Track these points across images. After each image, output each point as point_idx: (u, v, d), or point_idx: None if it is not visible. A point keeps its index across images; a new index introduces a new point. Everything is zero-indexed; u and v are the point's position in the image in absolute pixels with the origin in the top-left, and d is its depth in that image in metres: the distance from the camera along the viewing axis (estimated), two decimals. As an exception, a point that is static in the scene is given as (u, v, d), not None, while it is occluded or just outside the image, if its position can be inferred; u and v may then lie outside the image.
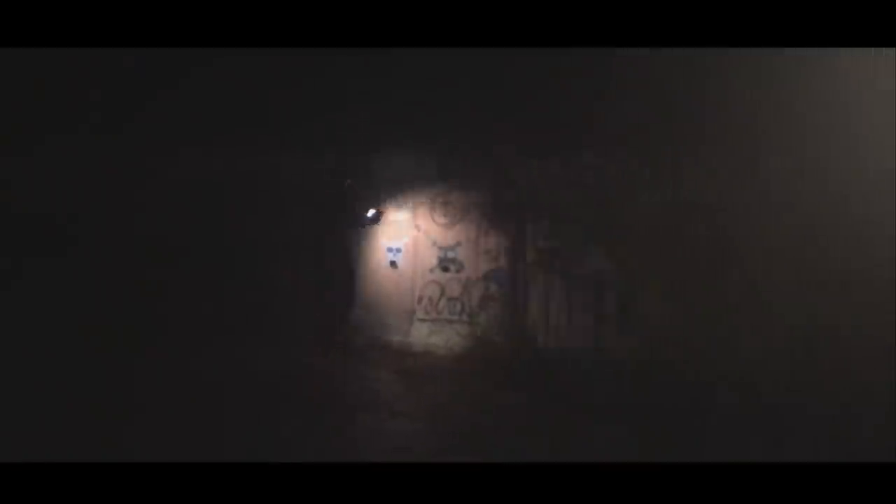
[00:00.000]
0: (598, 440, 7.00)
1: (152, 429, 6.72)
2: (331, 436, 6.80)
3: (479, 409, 8.07)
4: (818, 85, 8.46)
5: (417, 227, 10.51)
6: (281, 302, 10.27)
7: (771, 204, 9.32)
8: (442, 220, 10.44)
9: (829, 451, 6.27)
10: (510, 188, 10.14)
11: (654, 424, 7.44)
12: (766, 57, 7.63)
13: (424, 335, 10.48)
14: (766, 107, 8.83)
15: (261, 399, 7.82)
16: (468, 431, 7.18)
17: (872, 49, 6.37)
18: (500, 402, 8.39)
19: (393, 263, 10.54)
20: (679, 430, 7.24)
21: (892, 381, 7.72)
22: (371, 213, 10.24)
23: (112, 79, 9.35)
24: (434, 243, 10.50)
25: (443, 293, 10.54)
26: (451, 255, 10.50)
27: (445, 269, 10.52)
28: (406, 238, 10.50)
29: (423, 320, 10.54)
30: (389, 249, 10.62)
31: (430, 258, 10.56)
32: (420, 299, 10.60)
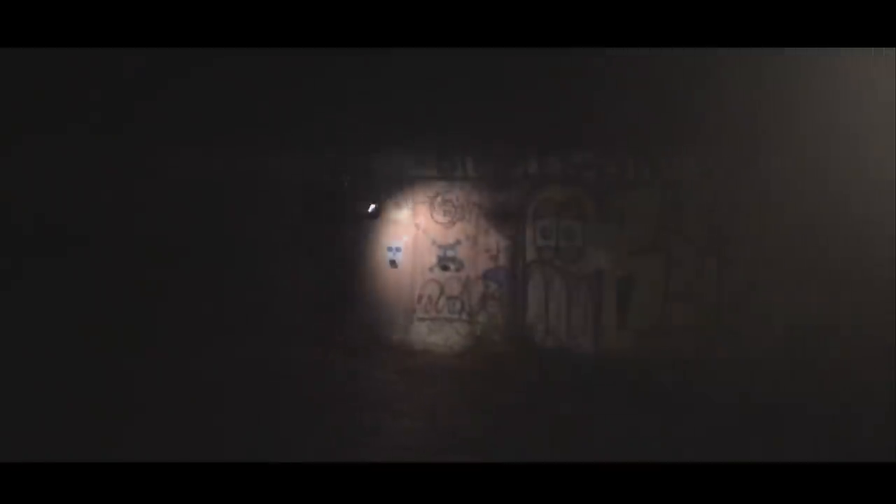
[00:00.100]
0: (597, 440, 6.99)
1: (152, 429, 6.71)
2: (331, 435, 6.79)
3: (478, 408, 8.07)
4: (818, 85, 8.46)
5: (417, 226, 10.50)
6: (280, 301, 10.27)
7: (770, 203, 9.33)
8: (441, 218, 10.44)
9: (829, 451, 6.27)
10: (510, 187, 10.13)
11: (653, 424, 7.44)
12: (766, 57, 7.61)
13: (424, 334, 10.48)
14: (766, 106, 8.84)
15: (260, 399, 7.82)
16: (468, 430, 7.18)
17: (872, 49, 6.36)
18: (499, 401, 8.39)
19: (393, 262, 10.54)
20: (679, 429, 7.23)
21: (892, 381, 7.72)
22: (372, 207, 10.22)
23: (112, 79, 9.34)
24: (433, 242, 10.49)
25: (442, 292, 10.54)
26: (450, 253, 10.50)
27: (445, 268, 10.52)
28: (406, 237, 10.49)
29: (422, 319, 10.54)
30: (389, 248, 10.61)
31: (430, 257, 10.55)
32: (420, 298, 10.60)
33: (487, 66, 8.92)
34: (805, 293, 9.32)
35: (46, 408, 6.96)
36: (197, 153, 10.07)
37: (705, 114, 9.04)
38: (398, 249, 10.64)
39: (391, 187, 10.46)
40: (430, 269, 10.57)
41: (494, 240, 10.34)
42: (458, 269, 10.49)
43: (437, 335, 10.50)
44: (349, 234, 10.49)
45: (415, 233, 10.53)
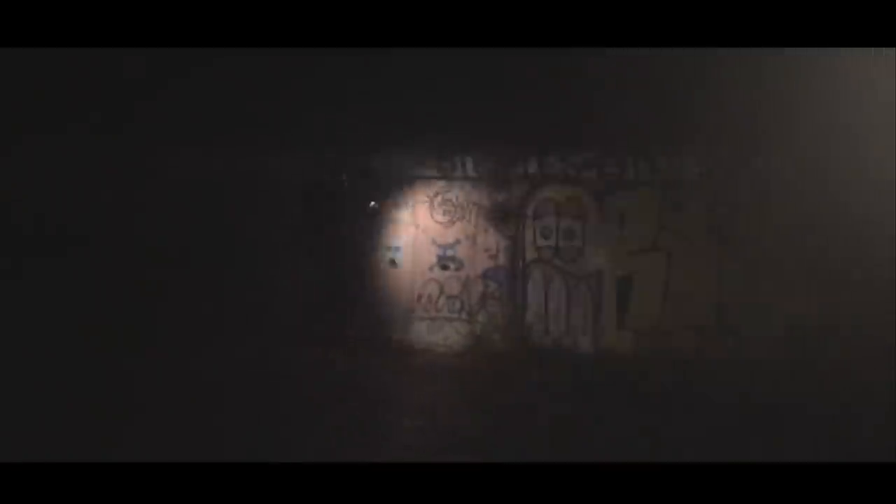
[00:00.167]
0: (597, 439, 6.99)
1: (152, 429, 6.71)
2: (330, 435, 6.79)
3: (478, 407, 8.07)
4: (818, 85, 8.47)
5: (417, 226, 10.50)
6: (279, 301, 10.26)
7: (770, 203, 9.34)
8: (441, 218, 10.44)
9: (829, 451, 6.26)
10: (509, 186, 10.14)
11: (653, 424, 7.44)
12: (766, 57, 7.62)
13: (424, 333, 10.48)
14: (766, 106, 8.85)
15: (260, 398, 7.81)
16: (467, 430, 7.18)
17: (872, 49, 6.36)
18: (499, 400, 8.39)
19: (392, 262, 10.54)
20: (678, 429, 7.23)
21: (892, 381, 7.72)
22: (372, 204, 10.22)
23: (112, 79, 9.34)
24: (433, 241, 10.49)
25: (442, 291, 10.54)
26: (450, 253, 10.50)
27: (445, 268, 10.52)
28: (405, 236, 10.49)
29: (422, 318, 10.54)
30: (389, 248, 10.60)
31: (430, 256, 10.55)
32: (419, 297, 10.60)
33: (487, 66, 8.93)
34: (805, 293, 9.33)
35: (46, 408, 6.95)
36: (197, 153, 10.07)
37: (705, 114, 9.04)
38: (398, 249, 10.64)
39: (391, 187, 10.46)
40: (430, 269, 10.58)
41: (494, 239, 10.35)
42: (457, 269, 10.50)
43: (436, 334, 10.51)
44: (349, 233, 10.49)
45: (414, 232, 10.53)
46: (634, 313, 10.01)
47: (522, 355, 10.00)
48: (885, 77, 8.17)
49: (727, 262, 9.63)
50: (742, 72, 8.61)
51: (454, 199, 10.44)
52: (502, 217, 10.27)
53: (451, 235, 10.50)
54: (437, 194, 10.46)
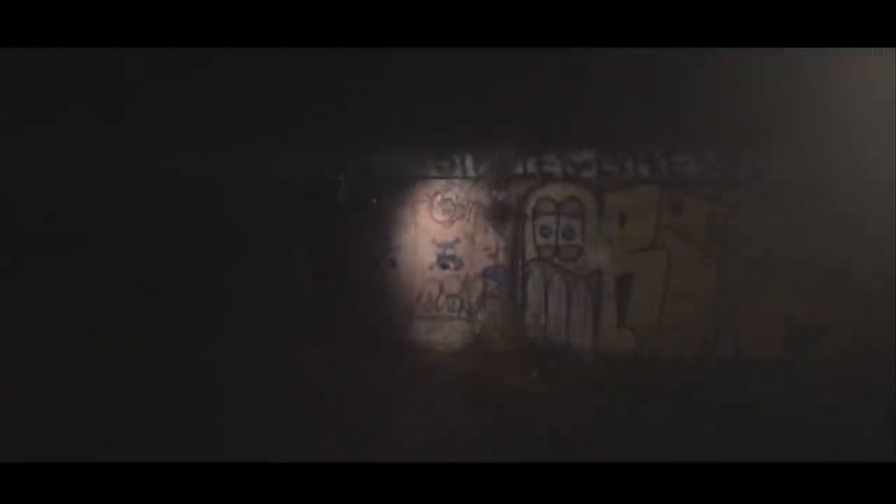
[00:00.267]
0: (596, 439, 7.00)
1: (152, 429, 6.72)
2: (330, 435, 6.80)
3: (477, 406, 8.07)
4: (818, 85, 8.48)
5: (416, 225, 10.49)
6: (279, 300, 10.25)
7: (770, 202, 9.34)
8: (441, 217, 10.43)
9: (829, 451, 6.27)
10: (509, 185, 10.14)
11: (652, 423, 7.44)
12: (765, 57, 7.62)
13: (423, 332, 10.48)
14: (766, 106, 8.85)
15: (260, 398, 7.82)
16: (467, 429, 7.18)
17: (872, 49, 6.36)
18: (498, 399, 8.39)
19: (392, 261, 10.52)
20: (678, 429, 7.24)
21: (892, 381, 7.72)
22: (373, 201, 10.23)
23: (111, 79, 9.34)
24: (433, 241, 10.48)
25: (442, 290, 10.54)
26: (449, 252, 10.49)
27: (444, 267, 10.51)
28: (405, 236, 10.48)
29: (422, 317, 10.54)
30: (388, 247, 10.59)
31: (429, 255, 10.55)
32: (419, 296, 10.59)
33: (487, 65, 8.93)
34: (805, 292, 9.34)
35: (46, 408, 6.96)
36: (197, 153, 10.06)
37: (705, 113, 9.05)
38: (398, 248, 10.63)
39: (391, 186, 10.45)
40: (430, 268, 10.57)
41: (494, 238, 10.34)
42: (457, 268, 10.49)
43: (436, 333, 10.50)
44: (349, 233, 10.48)
45: (414, 231, 10.52)
46: (634, 312, 10.01)
47: (522, 354, 9.99)
48: (885, 77, 8.18)
49: (727, 261, 9.63)
50: (742, 72, 8.62)
51: (454, 199, 10.43)
52: (502, 216, 10.26)
53: (450, 234, 10.48)
54: (436, 193, 10.45)
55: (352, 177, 10.43)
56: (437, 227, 10.48)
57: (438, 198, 10.45)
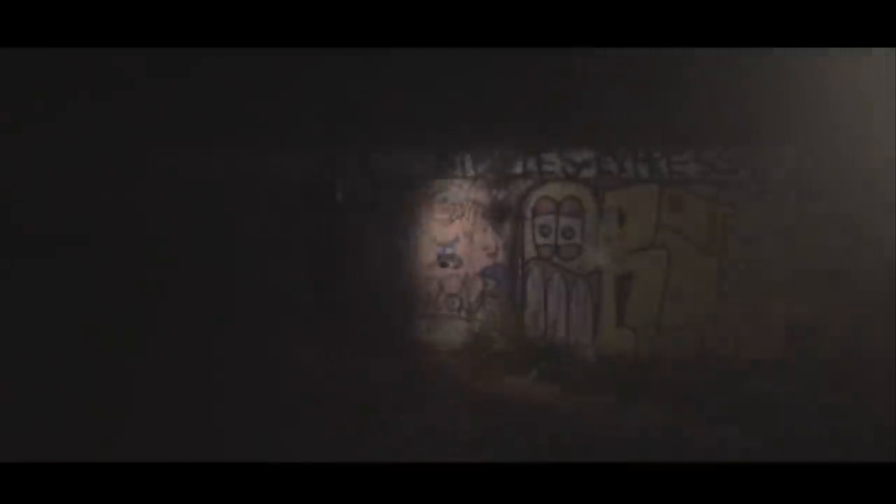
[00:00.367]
0: (596, 438, 7.00)
1: (152, 429, 6.72)
2: (329, 434, 6.80)
3: (477, 406, 8.08)
4: (817, 84, 8.49)
5: (415, 224, 10.48)
6: (280, 300, 10.24)
7: (770, 201, 9.35)
8: (440, 216, 10.42)
9: (829, 451, 6.27)
10: (508, 184, 10.14)
11: (652, 422, 7.45)
12: (765, 56, 7.62)
13: (423, 331, 10.47)
14: (766, 105, 8.85)
15: (260, 398, 7.82)
16: (466, 429, 7.19)
17: (872, 49, 6.37)
18: (497, 399, 8.40)
19: (391, 260, 10.51)
20: (678, 428, 7.25)
21: (892, 381, 7.72)
22: (370, 202, 10.23)
23: (111, 79, 9.34)
24: (432, 240, 10.48)
25: (441, 289, 10.53)
26: (449, 251, 10.48)
27: (443, 266, 10.51)
28: (404, 235, 10.47)
29: (421, 316, 10.53)
30: (387, 246, 10.58)
31: (429, 254, 10.54)
32: (418, 296, 10.58)
33: (486, 65, 8.94)
34: (805, 291, 9.35)
35: (46, 408, 6.96)
36: (197, 153, 10.05)
37: (704, 113, 9.05)
38: (397, 247, 10.59)
39: (390, 185, 10.44)
40: (429, 267, 10.56)
41: (493, 237, 10.34)
42: (456, 267, 10.48)
43: (435, 333, 10.50)
44: (348, 232, 10.47)
45: (413, 230, 10.51)
46: (633, 311, 10.01)
47: (521, 353, 9.99)
48: (885, 77, 8.19)
49: (727, 260, 9.63)
50: (742, 71, 8.64)
51: (453, 198, 10.41)
52: (501, 215, 10.26)
53: (450, 233, 10.47)
54: (436, 193, 10.43)
55: (351, 176, 10.43)
56: (436, 227, 10.47)
57: (438, 197, 10.44)
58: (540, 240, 10.20)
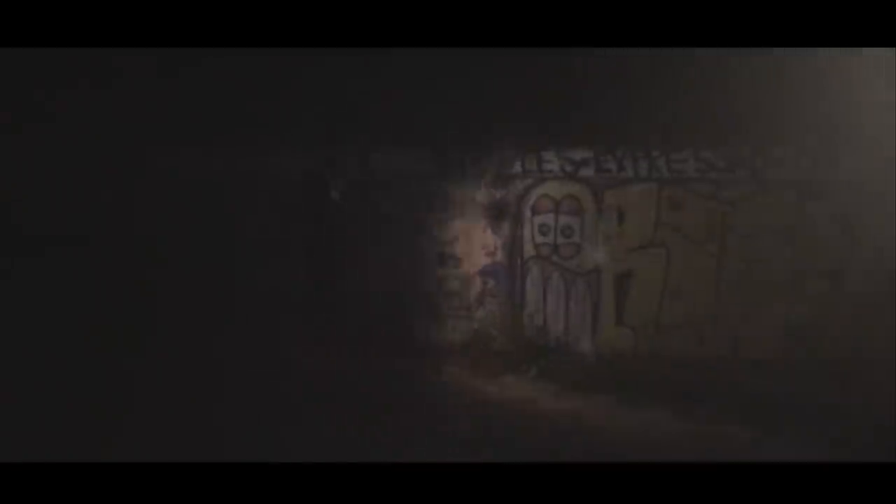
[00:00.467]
0: (595, 438, 7.01)
1: (152, 429, 6.73)
2: (328, 434, 6.81)
3: (476, 405, 8.09)
4: (816, 83, 8.51)
5: (414, 223, 10.47)
6: (280, 300, 10.23)
7: (769, 200, 9.37)
8: (440, 215, 10.42)
9: (829, 451, 6.28)
10: (508, 183, 10.14)
11: (651, 422, 7.46)
12: (764, 55, 7.63)
13: (421, 330, 10.47)
14: (765, 104, 8.86)
15: (260, 398, 7.82)
16: (466, 429, 7.20)
17: (871, 49, 6.38)
18: (496, 398, 8.41)
19: (389, 259, 10.50)
20: (677, 428, 7.26)
21: (892, 381, 7.73)
22: (371, 201, 10.24)
23: (111, 79, 9.34)
24: (431, 239, 10.47)
25: (440, 288, 10.53)
26: (448, 250, 10.48)
27: (443, 265, 10.51)
28: (403, 234, 10.46)
29: (420, 316, 10.52)
30: (386, 246, 10.57)
31: (427, 253, 10.53)
32: (417, 295, 10.58)
33: (486, 64, 8.94)
34: (804, 291, 9.36)
35: (46, 408, 6.96)
36: (197, 153, 10.04)
37: (703, 112, 9.06)
38: (397, 246, 10.58)
39: (389, 185, 10.43)
40: (428, 266, 10.56)
41: (492, 236, 10.34)
42: (455, 266, 10.48)
43: (434, 331, 10.50)
44: (348, 232, 10.46)
45: (412, 230, 10.50)
46: (633, 310, 10.01)
47: (520, 352, 10.00)
48: (884, 77, 8.20)
49: (726, 258, 9.64)
50: (740, 71, 8.64)
51: (452, 197, 10.41)
52: (500, 214, 10.26)
53: (449, 232, 10.47)
54: (435, 192, 10.43)
55: (351, 176, 10.42)
56: (435, 226, 10.46)
57: (437, 196, 10.43)
58: (539, 238, 10.20)
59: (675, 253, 9.77)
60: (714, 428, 7.20)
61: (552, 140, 9.93)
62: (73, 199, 9.70)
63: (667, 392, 8.41)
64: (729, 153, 9.53)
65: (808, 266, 9.36)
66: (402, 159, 10.33)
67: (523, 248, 10.30)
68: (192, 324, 9.54)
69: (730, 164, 9.55)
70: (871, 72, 8.17)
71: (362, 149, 10.25)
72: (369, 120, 9.89)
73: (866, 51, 6.50)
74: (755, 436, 6.93)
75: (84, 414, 6.94)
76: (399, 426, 7.20)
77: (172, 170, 10.05)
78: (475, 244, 10.38)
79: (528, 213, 10.22)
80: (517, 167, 10.17)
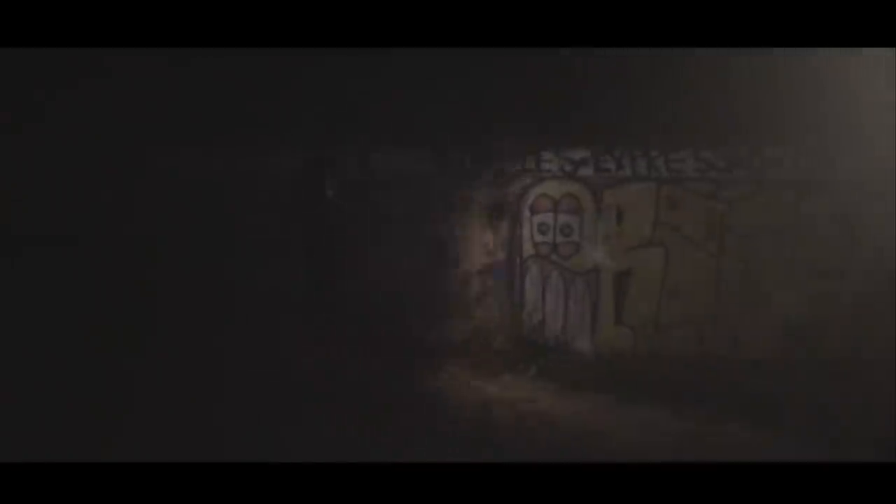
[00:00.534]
0: (594, 437, 7.01)
1: (152, 429, 6.73)
2: (330, 434, 6.81)
3: (475, 404, 8.09)
4: (814, 82, 8.52)
5: (413, 222, 10.47)
6: (280, 300, 10.23)
7: (767, 199, 9.38)
8: (439, 214, 10.42)
9: (828, 450, 6.29)
10: (507, 182, 10.14)
11: (650, 421, 7.47)
12: (763, 55, 7.63)
13: (420, 330, 10.46)
14: (764, 103, 8.87)
15: (260, 398, 7.82)
16: (465, 428, 7.20)
17: (871, 49, 6.38)
18: (495, 397, 8.41)
19: (390, 259, 10.50)
20: (676, 427, 7.26)
21: (892, 380, 7.73)
22: (370, 201, 10.24)
23: (111, 79, 9.34)
24: (431, 238, 10.47)
25: (439, 287, 10.52)
26: (447, 249, 10.48)
27: (442, 264, 10.51)
28: (402, 233, 10.46)
29: (419, 315, 10.52)
30: (385, 245, 10.57)
31: (426, 253, 10.53)
32: (416, 294, 10.57)
33: (485, 64, 8.95)
34: (804, 290, 9.38)
35: (46, 408, 6.96)
36: (197, 153, 10.03)
37: (702, 110, 9.06)
38: (396, 245, 10.57)
39: (388, 184, 10.43)
40: (427, 265, 10.55)
41: (491, 235, 10.34)
42: (454, 265, 10.48)
43: (433, 331, 10.49)
44: (347, 232, 10.46)
45: (411, 229, 10.49)
46: (632, 309, 10.03)
47: (519, 351, 10.00)
48: (884, 76, 8.21)
49: (725, 258, 9.65)
50: (739, 70, 8.64)
51: (452, 196, 10.40)
52: (499, 213, 10.26)
53: (448, 232, 10.47)
54: (434, 191, 10.42)
55: (350, 176, 10.42)
56: (435, 225, 10.45)
57: (436, 195, 10.43)
58: (538, 237, 10.21)
59: (674, 252, 9.78)
60: (713, 427, 7.20)
61: (551, 139, 9.93)
62: (73, 198, 9.69)
63: (666, 391, 8.41)
64: (728, 153, 9.54)
65: (808, 266, 9.38)
66: (402, 159, 10.32)
67: (522, 247, 10.30)
68: (192, 324, 9.54)
69: (729, 163, 9.56)
70: (870, 72, 8.18)
71: (362, 149, 10.25)
72: (369, 120, 9.89)
73: (866, 51, 6.50)
74: (754, 435, 6.93)
75: (84, 414, 6.94)
76: (398, 426, 7.20)
77: (172, 170, 10.05)
78: (474, 243, 10.38)
79: (527, 213, 10.23)
80: (516, 166, 10.17)
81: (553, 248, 10.19)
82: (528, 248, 10.29)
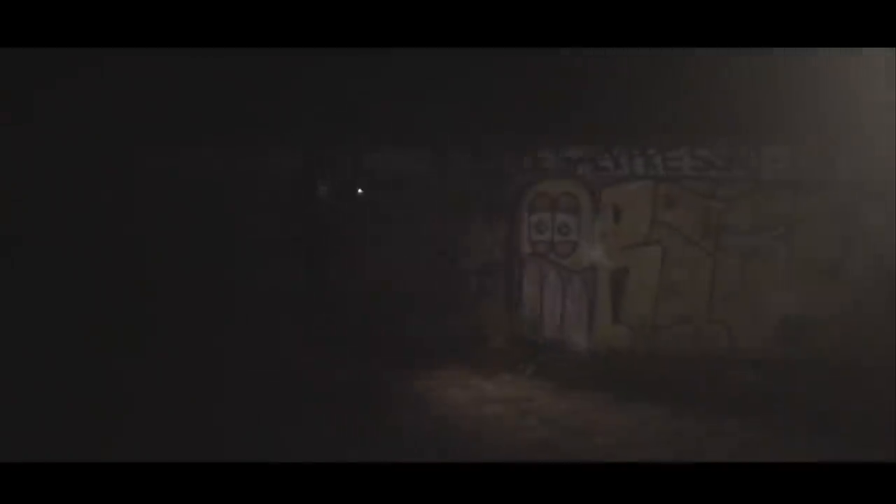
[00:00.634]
0: (593, 437, 7.02)
1: (152, 429, 6.73)
2: (330, 434, 6.82)
3: (474, 404, 8.09)
4: (813, 82, 8.52)
5: (412, 221, 10.47)
6: (279, 299, 10.23)
7: (765, 197, 9.40)
8: (437, 213, 10.42)
9: (828, 450, 6.29)
10: (505, 181, 10.14)
11: (648, 420, 7.47)
12: (762, 54, 7.63)
13: (419, 329, 10.47)
14: (762, 101, 8.88)
15: (260, 398, 7.83)
16: (464, 428, 7.20)
17: (871, 49, 6.39)
18: (494, 397, 8.42)
19: (389, 259, 10.50)
20: (674, 427, 7.27)
21: (891, 379, 7.74)
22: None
23: (111, 79, 9.33)
24: (429, 237, 10.47)
25: (438, 286, 10.52)
26: (445, 248, 10.48)
27: (441, 263, 10.51)
28: (401, 232, 10.46)
29: (418, 314, 10.52)
30: (386, 245, 10.57)
31: (425, 251, 10.53)
32: (415, 293, 10.57)
33: (484, 63, 8.95)
34: (801, 288, 9.39)
35: (46, 408, 6.96)
36: (197, 153, 10.03)
37: (700, 109, 9.07)
38: (396, 244, 10.57)
39: (387, 183, 10.43)
40: (426, 264, 10.56)
41: (489, 234, 10.34)
42: (453, 264, 10.48)
43: (432, 330, 10.49)
44: (346, 231, 10.46)
45: (410, 228, 10.50)
46: (629, 308, 10.05)
47: (517, 350, 10.01)
48: (883, 76, 8.21)
49: (722, 256, 9.67)
50: (737, 69, 8.64)
51: (450, 195, 10.40)
52: (497, 212, 10.27)
53: (447, 230, 10.46)
54: (433, 190, 10.42)
55: (349, 175, 10.42)
56: (433, 224, 10.45)
57: (435, 194, 10.42)
58: (536, 236, 10.22)
59: (672, 251, 9.80)
60: (710, 426, 7.21)
61: (549, 138, 9.94)
62: (73, 198, 9.70)
63: (663, 390, 8.43)
64: (725, 152, 9.55)
65: (804, 264, 9.40)
66: (402, 159, 10.32)
67: (520, 245, 10.31)
68: (192, 324, 9.55)
69: (726, 162, 9.58)
70: (870, 72, 8.19)
71: (361, 148, 10.26)
72: (368, 120, 9.89)
73: (866, 51, 6.51)
74: (751, 434, 6.94)
75: (84, 414, 6.95)
76: (397, 425, 7.20)
77: (172, 170, 10.05)
78: (472, 242, 10.38)
79: (524, 211, 10.23)
80: (514, 165, 10.18)
81: (551, 247, 10.20)
82: (525, 247, 10.30)
